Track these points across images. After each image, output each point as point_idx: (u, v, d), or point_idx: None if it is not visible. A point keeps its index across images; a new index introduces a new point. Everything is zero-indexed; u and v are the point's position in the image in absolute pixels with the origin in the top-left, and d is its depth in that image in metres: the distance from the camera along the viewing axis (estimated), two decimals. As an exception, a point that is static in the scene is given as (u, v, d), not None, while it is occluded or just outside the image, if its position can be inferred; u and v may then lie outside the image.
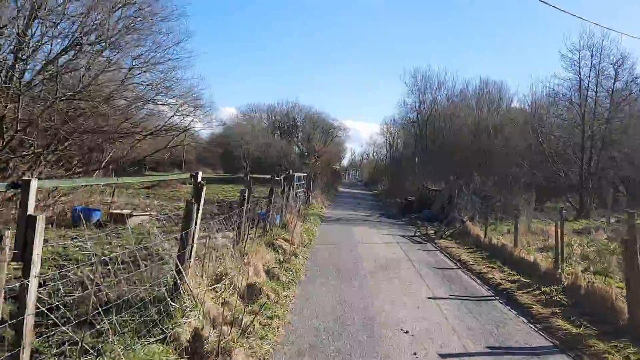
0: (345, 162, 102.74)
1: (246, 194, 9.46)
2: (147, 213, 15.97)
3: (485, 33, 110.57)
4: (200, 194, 6.25)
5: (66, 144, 16.55)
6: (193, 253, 6.18)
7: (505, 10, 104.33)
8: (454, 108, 38.89)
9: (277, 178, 13.97)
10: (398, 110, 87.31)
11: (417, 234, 18.71)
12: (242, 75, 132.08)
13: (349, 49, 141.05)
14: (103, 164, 20.41)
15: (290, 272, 8.77)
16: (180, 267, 5.78)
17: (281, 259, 9.77)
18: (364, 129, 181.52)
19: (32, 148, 15.41)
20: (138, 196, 25.38)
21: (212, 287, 6.37)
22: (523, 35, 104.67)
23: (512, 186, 27.21)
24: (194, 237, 6.12)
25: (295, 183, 19.35)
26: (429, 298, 8.56)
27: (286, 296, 7.33)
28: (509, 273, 11.27)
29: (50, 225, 13.53)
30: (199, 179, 6.33)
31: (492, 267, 12.02)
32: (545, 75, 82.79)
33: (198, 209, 6.14)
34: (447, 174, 30.63)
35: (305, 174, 24.03)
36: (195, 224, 6.17)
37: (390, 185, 47.47)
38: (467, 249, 15.42)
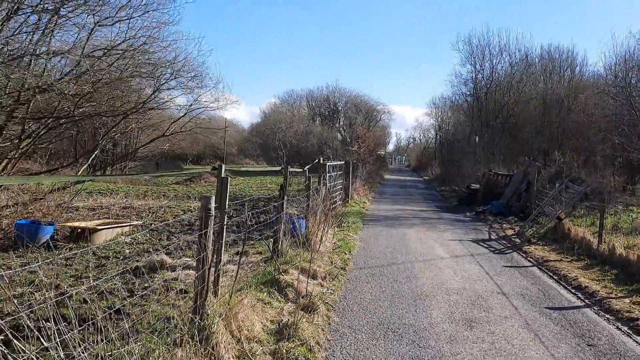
0: (390, 147, 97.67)
1: (211, 202, 5.08)
2: (127, 223, 11.90)
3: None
4: None
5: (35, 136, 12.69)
6: None
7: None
8: (519, 77, 33.04)
9: (293, 170, 9.58)
10: (449, 85, 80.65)
11: (492, 237, 13.94)
12: (280, 65, 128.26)
13: (391, 28, 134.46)
14: (92, 154, 16.55)
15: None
16: None
17: (284, 322, 5.34)
18: (408, 113, 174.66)
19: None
20: (149, 196, 21.63)
21: None
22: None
23: (602, 167, 21.86)
24: None
25: (327, 175, 14.90)
26: None
27: None
28: (689, 321, 6.49)
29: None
30: None
31: (647, 305, 7.24)
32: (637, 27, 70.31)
33: None
34: (516, 154, 25.45)
35: (343, 162, 19.49)
36: None
37: (442, 171, 42.25)
38: (575, 261, 10.59)
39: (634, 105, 22.99)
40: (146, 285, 6.86)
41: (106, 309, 5.39)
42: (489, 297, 7.46)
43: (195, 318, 4.50)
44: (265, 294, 6.28)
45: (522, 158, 22.36)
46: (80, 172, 15.30)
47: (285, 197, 8.62)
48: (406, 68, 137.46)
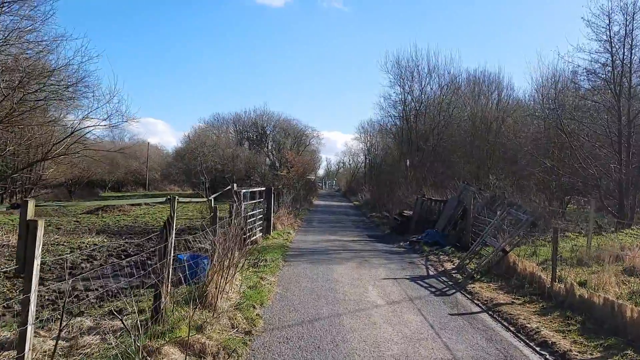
0: (321, 172, 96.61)
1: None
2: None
3: (478, 14, 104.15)
4: None
5: None
6: None
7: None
8: (448, 99, 32.55)
9: (183, 200, 7.42)
10: (378, 109, 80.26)
11: (431, 273, 12.30)
12: (207, 88, 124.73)
13: (318, 56, 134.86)
14: None
15: None
16: None
17: None
18: (339, 138, 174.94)
19: None
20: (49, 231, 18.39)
21: None
22: (527, 11, 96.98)
23: (535, 191, 21.12)
24: None
25: (243, 203, 12.76)
26: None
27: None
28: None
29: None
30: None
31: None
32: (565, 49, 73.85)
33: None
34: (447, 179, 24.42)
35: (264, 188, 17.41)
36: None
37: (372, 196, 41.01)
38: (528, 304, 9.05)
39: (564, 128, 22.59)
40: None
41: None
42: (439, 370, 5.58)
43: None
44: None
45: (454, 182, 21.20)
46: None
47: (171, 238, 6.43)
48: (335, 93, 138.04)
